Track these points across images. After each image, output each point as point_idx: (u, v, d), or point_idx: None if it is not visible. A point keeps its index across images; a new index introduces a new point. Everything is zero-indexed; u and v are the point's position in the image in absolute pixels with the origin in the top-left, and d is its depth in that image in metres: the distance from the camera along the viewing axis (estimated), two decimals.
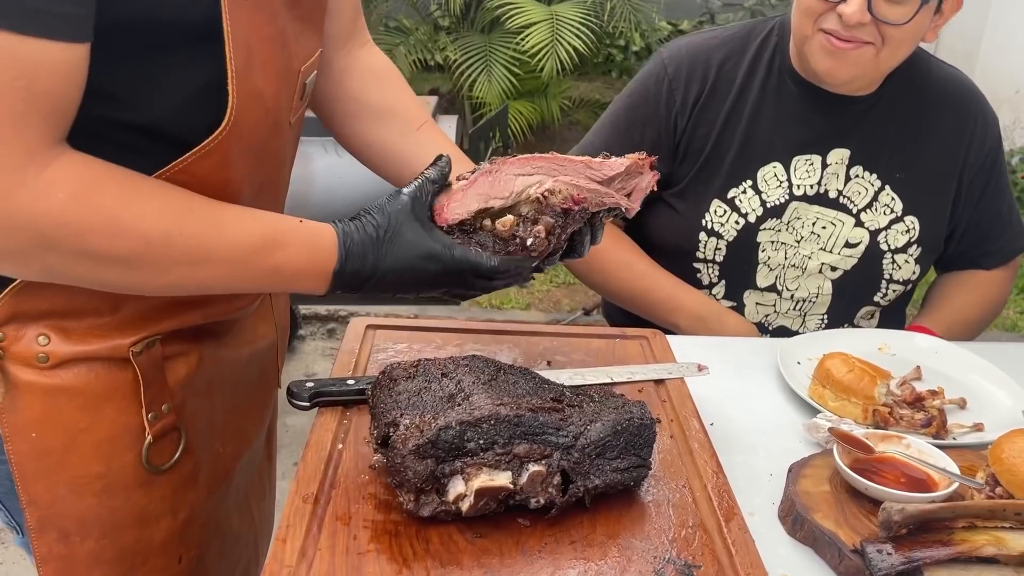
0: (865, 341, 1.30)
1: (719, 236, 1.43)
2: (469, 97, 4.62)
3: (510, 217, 0.86)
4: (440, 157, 0.90)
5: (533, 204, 0.86)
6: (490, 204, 0.85)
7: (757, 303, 1.47)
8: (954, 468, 0.91)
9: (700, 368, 1.08)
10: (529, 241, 0.86)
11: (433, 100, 2.57)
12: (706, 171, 1.42)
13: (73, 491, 0.82)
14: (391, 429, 0.78)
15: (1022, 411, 1.06)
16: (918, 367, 1.22)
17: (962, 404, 1.14)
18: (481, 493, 0.75)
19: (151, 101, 0.75)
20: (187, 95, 0.76)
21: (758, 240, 1.43)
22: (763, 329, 1.48)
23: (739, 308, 1.47)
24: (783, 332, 1.46)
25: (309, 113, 1.96)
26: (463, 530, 0.77)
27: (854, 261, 1.44)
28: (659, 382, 1.05)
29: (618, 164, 0.88)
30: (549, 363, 1.08)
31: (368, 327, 1.14)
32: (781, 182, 1.41)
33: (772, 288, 1.45)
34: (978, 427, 1.09)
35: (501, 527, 0.77)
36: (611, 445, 0.79)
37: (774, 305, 1.47)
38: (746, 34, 1.46)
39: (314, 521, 0.77)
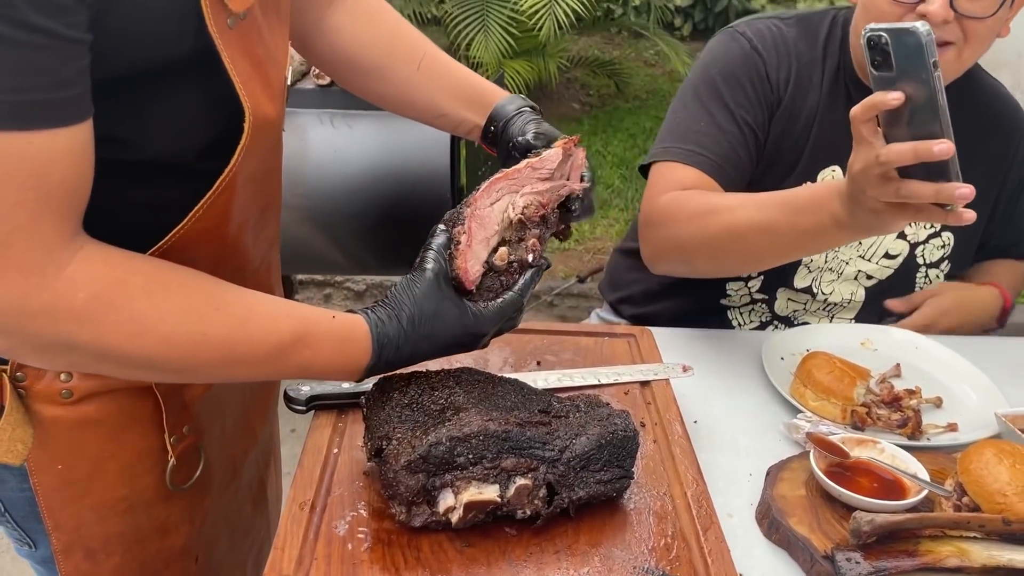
0: (848, 336, 1.33)
1: None
2: (466, 57, 4.57)
3: (503, 249, 0.89)
4: (444, 222, 0.89)
5: (516, 226, 0.89)
6: (491, 245, 0.88)
7: (789, 299, 1.47)
8: (925, 475, 0.95)
9: (685, 369, 1.12)
10: (530, 258, 0.90)
11: None
12: (776, 166, 1.36)
13: (98, 514, 0.85)
14: (384, 442, 0.81)
15: (994, 413, 1.10)
16: (898, 364, 1.25)
17: (938, 403, 1.18)
18: (470, 506, 0.78)
19: (147, 137, 0.76)
20: (181, 123, 0.78)
21: None
22: (789, 322, 1.49)
23: (770, 302, 1.48)
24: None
25: (305, 84, 1.95)
26: (453, 539, 0.80)
27: (890, 272, 1.44)
28: (645, 383, 1.08)
29: (554, 154, 0.91)
30: (539, 363, 1.11)
31: None
32: None
33: (807, 290, 1.45)
34: (952, 427, 1.12)
35: (489, 536, 0.81)
36: (595, 458, 0.83)
37: (805, 304, 1.47)
38: (814, 26, 1.38)
39: (310, 529, 0.80)
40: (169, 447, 0.87)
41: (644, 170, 1.39)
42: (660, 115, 5.41)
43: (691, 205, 1.23)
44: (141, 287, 0.71)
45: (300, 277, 3.25)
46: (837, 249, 1.42)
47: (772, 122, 1.35)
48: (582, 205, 0.95)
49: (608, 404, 0.93)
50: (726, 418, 1.14)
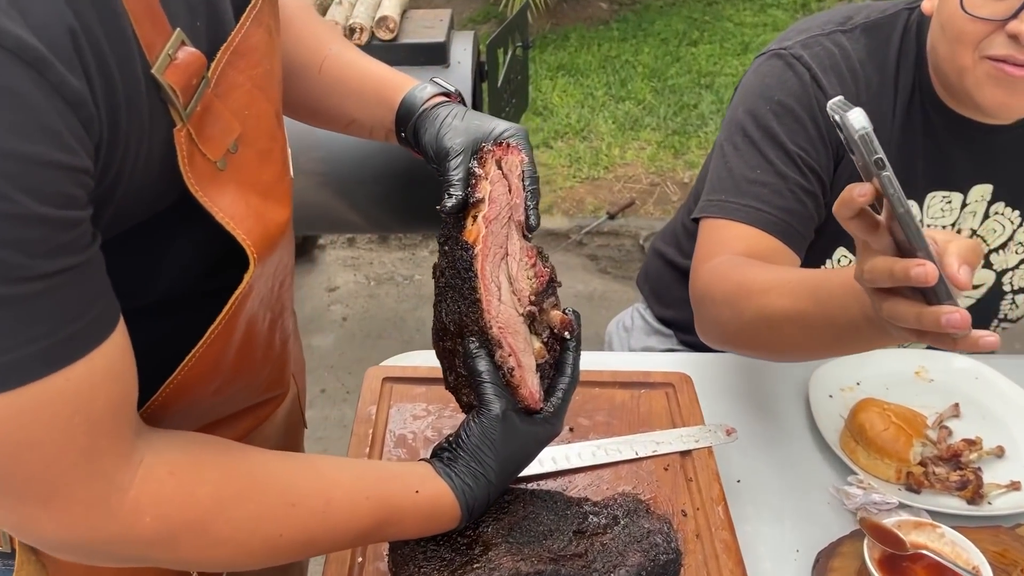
0: (902, 364, 1.24)
1: None
2: None
3: (539, 347, 0.83)
4: (469, 336, 0.81)
5: (532, 310, 0.82)
6: (532, 347, 0.82)
7: None
8: (987, 571, 0.88)
9: (728, 433, 1.04)
10: (567, 334, 0.84)
11: (447, 14, 2.37)
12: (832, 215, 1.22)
13: None
14: None
15: None
16: (956, 404, 1.17)
17: (1000, 453, 1.10)
18: None
19: (150, 282, 0.72)
20: (186, 259, 0.72)
21: None
22: None
23: None
24: None
25: None
26: None
27: (971, 302, 1.32)
28: (685, 453, 1.02)
29: (497, 191, 0.80)
30: (572, 429, 1.04)
31: (385, 380, 1.10)
32: None
33: None
34: (1015, 486, 1.05)
35: None
36: None
37: None
38: (883, 38, 1.17)
39: None
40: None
41: (696, 220, 1.23)
42: (694, 15, 5.10)
43: (726, 284, 1.05)
44: (211, 499, 0.66)
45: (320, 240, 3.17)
46: None
47: (839, 165, 1.17)
48: (534, 215, 0.83)
49: (647, 505, 0.87)
50: (771, 476, 1.08)
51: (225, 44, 0.69)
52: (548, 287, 0.83)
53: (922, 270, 0.68)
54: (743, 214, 1.13)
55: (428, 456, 0.91)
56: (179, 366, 0.71)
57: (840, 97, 0.69)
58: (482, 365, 0.79)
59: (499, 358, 0.79)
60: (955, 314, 0.68)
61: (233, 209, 0.69)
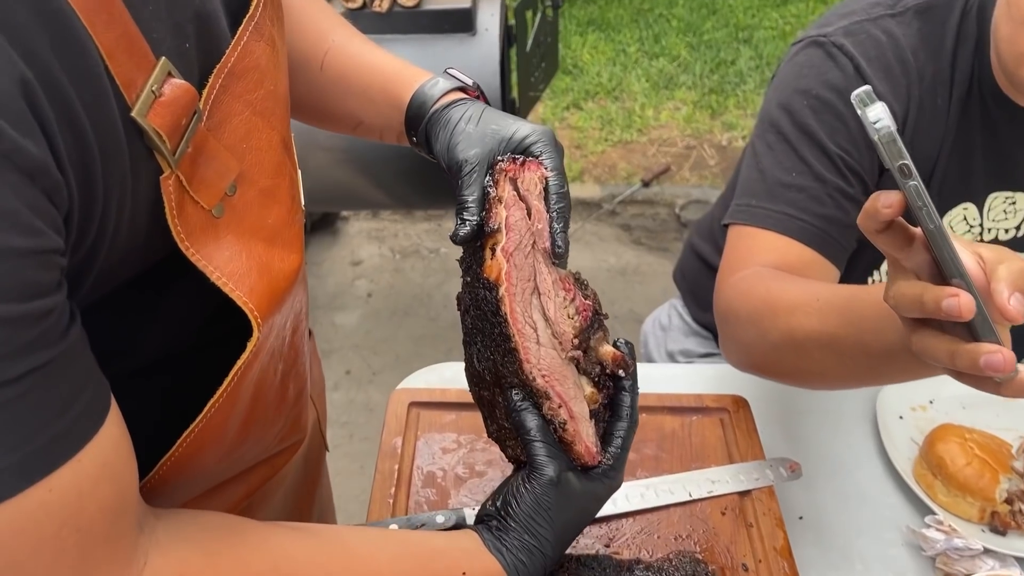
0: None
1: None
2: None
3: (591, 391, 0.72)
4: (510, 388, 0.70)
5: (578, 355, 0.71)
6: (583, 392, 0.71)
7: None
8: None
9: (792, 468, 0.94)
10: (621, 372, 0.73)
11: None
12: None
13: None
14: None
15: None
16: None
17: None
18: None
19: (142, 341, 0.63)
20: (182, 313, 0.62)
21: None
22: None
23: None
24: None
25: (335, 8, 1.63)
26: None
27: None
28: (744, 493, 0.92)
29: (514, 216, 0.69)
30: None
31: (411, 405, 1.01)
32: (971, 226, 1.11)
33: None
34: None
35: None
36: None
37: None
38: (939, 22, 1.02)
39: None
40: None
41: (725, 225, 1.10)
42: None
43: (751, 301, 0.93)
44: None
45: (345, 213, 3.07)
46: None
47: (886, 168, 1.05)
48: (561, 240, 0.70)
49: (707, 568, 0.77)
50: (837, 511, 0.98)
51: (218, 66, 0.59)
52: (593, 321, 0.72)
53: (955, 302, 0.56)
54: (775, 221, 1.00)
55: (471, 515, 0.83)
56: (177, 441, 0.62)
57: (866, 88, 0.57)
58: (530, 421, 0.68)
59: (547, 410, 0.69)
60: (997, 354, 0.57)
61: (232, 265, 0.59)
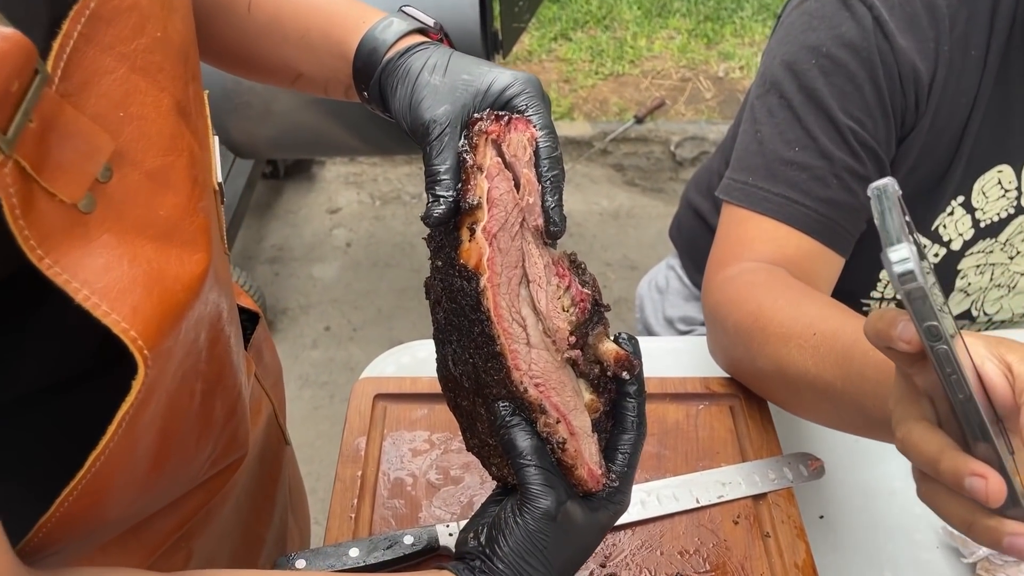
0: None
1: None
2: None
3: (591, 398, 0.59)
4: (498, 402, 0.58)
5: (575, 355, 0.58)
6: (584, 400, 0.59)
7: None
8: None
9: (812, 466, 0.82)
10: (624, 374, 0.60)
11: None
12: (906, 189, 0.92)
13: None
14: None
15: None
16: None
17: None
18: None
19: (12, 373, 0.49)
20: (58, 343, 0.48)
21: (959, 268, 1.03)
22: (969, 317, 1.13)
23: None
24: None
25: None
26: None
27: None
28: (759, 497, 0.80)
29: (499, 190, 0.56)
30: None
31: (377, 398, 0.88)
32: (1007, 191, 0.97)
33: (965, 314, 1.09)
34: None
35: None
36: None
37: (961, 330, 1.10)
38: None
39: None
40: None
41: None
42: None
43: (739, 313, 0.81)
44: None
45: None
46: (1009, 262, 1.02)
47: (907, 136, 0.89)
48: (557, 215, 0.57)
49: None
50: (862, 510, 0.87)
51: (76, 8, 0.44)
52: (593, 314, 0.59)
53: (981, 484, 0.46)
54: (773, 206, 0.88)
55: (444, 533, 0.71)
56: (55, 504, 0.48)
57: (884, 183, 0.44)
58: (522, 441, 0.56)
59: (543, 427, 0.56)
60: (1021, 538, 0.47)
61: (109, 277, 0.45)
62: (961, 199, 0.96)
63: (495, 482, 0.64)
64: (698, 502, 0.79)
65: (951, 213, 0.97)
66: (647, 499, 0.79)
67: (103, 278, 0.44)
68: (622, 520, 0.77)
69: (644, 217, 2.71)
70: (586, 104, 3.16)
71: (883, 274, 1.04)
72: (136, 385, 0.47)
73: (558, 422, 0.56)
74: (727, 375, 0.91)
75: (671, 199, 2.79)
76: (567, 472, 0.57)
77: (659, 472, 0.82)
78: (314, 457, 2.02)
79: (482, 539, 0.57)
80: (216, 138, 0.64)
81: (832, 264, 0.89)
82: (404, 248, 2.63)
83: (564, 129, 2.99)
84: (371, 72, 0.64)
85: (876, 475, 0.90)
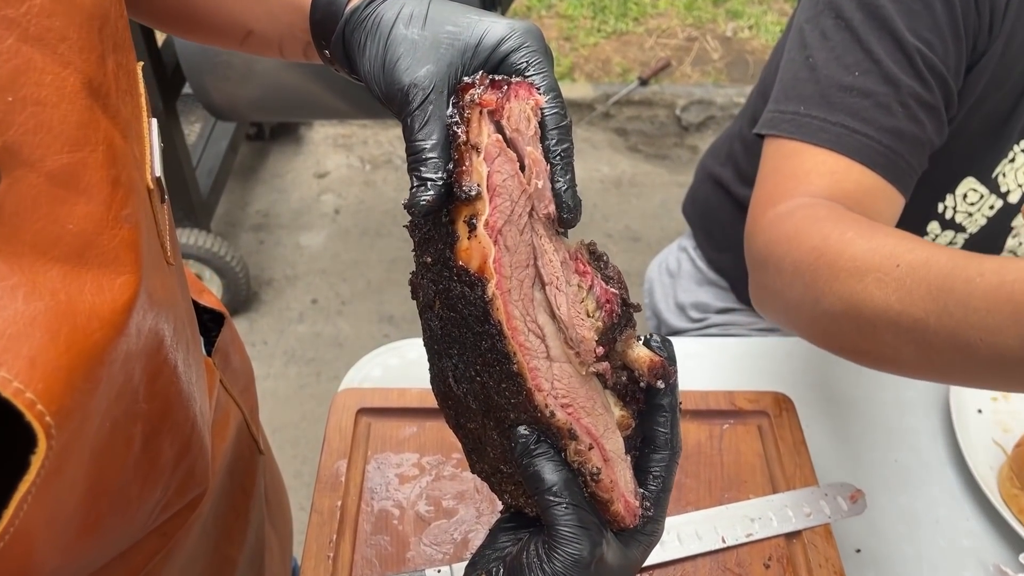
0: None
1: (959, 229, 0.93)
2: None
3: (621, 414, 0.50)
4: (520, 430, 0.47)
5: (603, 368, 0.48)
6: (616, 419, 0.49)
7: None
8: None
9: (854, 499, 0.73)
10: (661, 383, 0.50)
11: None
12: (964, 133, 0.85)
13: None
14: None
15: None
16: None
17: None
18: None
19: None
20: None
21: (1012, 225, 0.93)
22: None
23: None
24: None
25: None
26: None
27: None
28: (793, 535, 0.70)
29: (498, 170, 0.45)
30: None
31: (360, 413, 0.78)
32: None
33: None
34: None
35: None
36: None
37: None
38: None
39: None
40: None
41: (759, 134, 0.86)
42: None
43: (800, 248, 0.71)
44: None
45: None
46: None
47: (977, 63, 0.79)
48: (570, 198, 0.46)
49: None
50: (905, 542, 0.77)
51: None
52: (623, 317, 0.48)
53: None
54: (830, 136, 0.77)
55: None
56: None
57: None
58: (549, 474, 0.46)
59: (574, 455, 0.46)
60: None
61: None
62: (1005, 260, 0.85)
63: (497, 512, 0.54)
64: (724, 541, 0.69)
65: (1012, 160, 0.88)
66: (666, 538, 0.70)
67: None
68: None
69: (648, 185, 2.59)
70: (588, 64, 3.01)
71: (931, 227, 0.94)
72: (36, 462, 0.36)
73: (591, 448, 0.46)
74: (751, 388, 0.81)
75: (676, 166, 2.66)
76: (602, 507, 0.47)
77: (679, 505, 0.73)
78: (299, 439, 1.92)
79: None
80: (154, 121, 0.52)
81: (894, 204, 0.79)
82: (395, 216, 2.51)
83: (564, 91, 2.84)
84: (331, 26, 0.53)
85: (918, 502, 0.80)
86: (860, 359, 0.71)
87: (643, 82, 2.79)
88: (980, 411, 0.86)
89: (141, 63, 0.51)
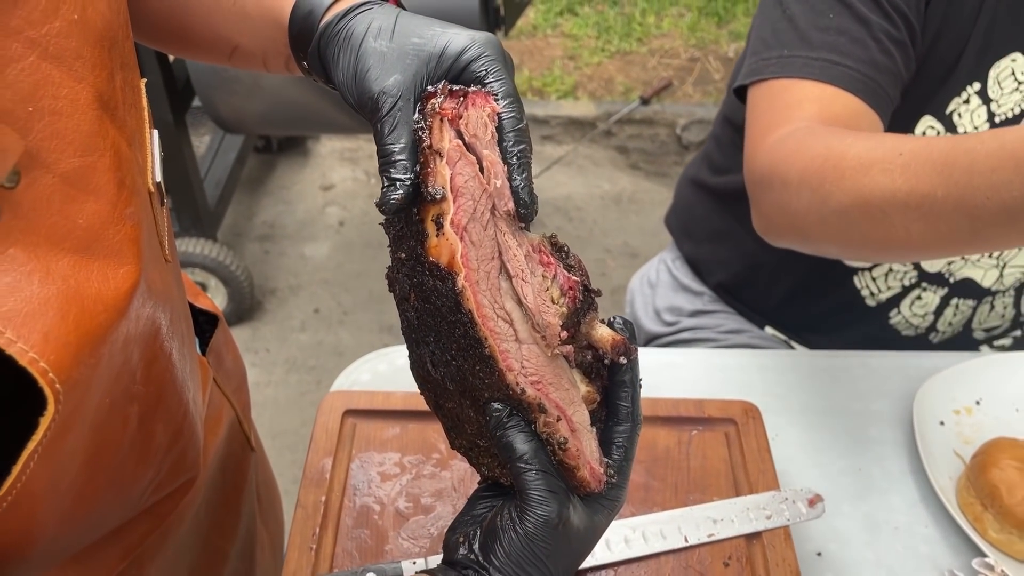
0: None
1: None
2: None
3: (587, 390, 0.54)
4: (492, 407, 0.52)
5: (568, 351, 0.53)
6: (582, 394, 0.54)
7: None
8: None
9: (812, 503, 0.76)
10: (623, 359, 0.55)
11: None
12: (921, 71, 0.92)
13: None
14: None
15: None
16: None
17: None
18: None
19: None
20: None
21: None
22: (943, 281, 1.07)
23: None
24: (969, 287, 1.07)
25: None
26: None
27: None
28: (753, 536, 0.74)
29: (460, 172, 0.51)
30: None
31: (347, 415, 0.82)
32: (1020, 83, 0.94)
33: None
34: None
35: None
36: None
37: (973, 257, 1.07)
38: None
39: None
40: None
41: (740, 93, 0.93)
42: None
43: (805, 158, 0.78)
44: None
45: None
46: None
47: (930, 3, 0.88)
48: (527, 195, 0.51)
49: None
50: (863, 547, 0.81)
51: None
52: (584, 301, 0.53)
53: None
54: (815, 70, 0.86)
55: (410, 570, 0.65)
56: None
57: None
58: (520, 444, 0.51)
59: (543, 426, 0.51)
60: None
61: (16, 297, 0.40)
62: (977, 87, 0.93)
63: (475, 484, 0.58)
64: (687, 541, 0.73)
65: (967, 101, 0.94)
66: (632, 536, 0.73)
67: (7, 300, 0.39)
68: (605, 560, 0.72)
69: (647, 202, 2.64)
70: (591, 82, 3.07)
71: None
72: (44, 423, 0.41)
73: (559, 420, 0.51)
74: (720, 396, 0.85)
75: (675, 185, 2.71)
76: (568, 474, 0.52)
77: (646, 505, 0.76)
78: (299, 445, 1.97)
79: (475, 547, 0.53)
80: (156, 132, 0.57)
81: (877, 127, 0.86)
82: None
83: (567, 108, 2.90)
84: (308, 39, 0.57)
85: (879, 508, 0.84)
86: (870, 250, 0.79)
87: (645, 101, 2.84)
88: (942, 423, 0.89)
89: (145, 80, 0.57)
